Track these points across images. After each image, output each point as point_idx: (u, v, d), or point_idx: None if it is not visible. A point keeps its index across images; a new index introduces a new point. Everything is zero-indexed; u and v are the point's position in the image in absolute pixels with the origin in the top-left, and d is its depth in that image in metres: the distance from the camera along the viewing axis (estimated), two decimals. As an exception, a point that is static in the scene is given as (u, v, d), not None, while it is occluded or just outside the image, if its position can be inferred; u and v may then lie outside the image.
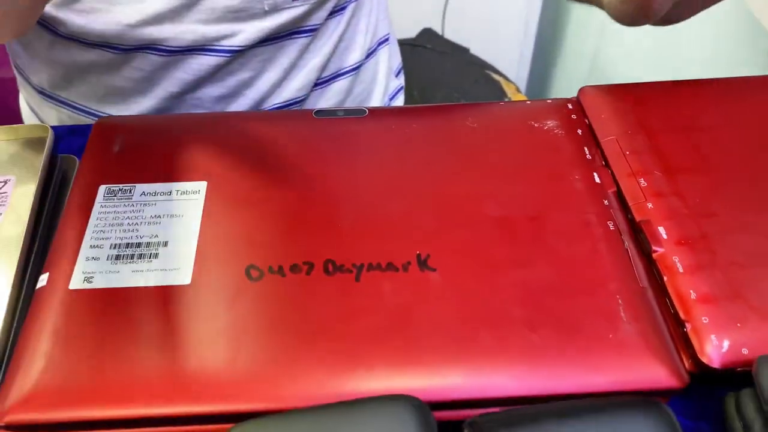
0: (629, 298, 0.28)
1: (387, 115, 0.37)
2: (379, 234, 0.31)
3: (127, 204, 0.32)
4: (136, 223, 0.32)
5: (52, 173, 0.35)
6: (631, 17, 0.33)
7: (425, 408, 0.23)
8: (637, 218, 0.31)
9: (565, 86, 1.39)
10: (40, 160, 0.34)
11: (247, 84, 0.51)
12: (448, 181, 0.33)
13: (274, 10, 0.47)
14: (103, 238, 0.31)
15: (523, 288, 0.29)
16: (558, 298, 0.28)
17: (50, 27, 0.47)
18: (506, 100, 1.16)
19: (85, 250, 0.31)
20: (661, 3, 0.31)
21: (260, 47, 0.49)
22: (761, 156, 0.34)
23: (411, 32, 1.32)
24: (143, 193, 0.33)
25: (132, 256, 0.30)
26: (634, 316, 0.28)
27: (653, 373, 0.26)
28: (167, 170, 0.34)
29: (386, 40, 0.60)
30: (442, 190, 0.33)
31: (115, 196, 0.33)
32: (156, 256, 0.30)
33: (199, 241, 0.31)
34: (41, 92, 0.53)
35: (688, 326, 0.27)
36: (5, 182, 0.33)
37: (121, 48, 0.46)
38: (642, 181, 0.33)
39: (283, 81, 0.52)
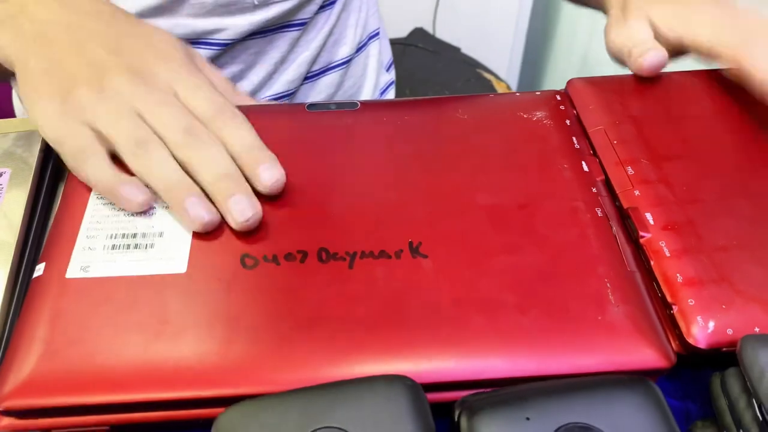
0: (617, 282, 0.29)
1: (378, 108, 0.38)
2: (372, 223, 0.31)
3: (122, 195, 0.33)
4: (132, 215, 0.32)
5: (47, 166, 0.35)
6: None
7: (418, 387, 0.23)
8: (625, 205, 0.32)
9: (555, 84, 1.40)
10: (34, 153, 0.35)
11: (238, 77, 0.51)
12: (439, 171, 0.34)
13: (264, 4, 0.48)
14: (98, 229, 0.31)
15: (513, 273, 0.29)
16: (547, 282, 0.29)
17: None
18: (497, 98, 1.16)
19: (81, 241, 0.31)
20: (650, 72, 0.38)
21: (250, 40, 0.50)
22: (744, 144, 0.35)
23: (402, 32, 1.33)
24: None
25: (128, 246, 0.31)
26: (622, 298, 0.28)
27: (641, 353, 0.27)
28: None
29: (376, 34, 0.61)
30: (433, 179, 0.33)
31: (110, 187, 0.33)
32: (152, 246, 0.31)
33: (194, 232, 0.31)
34: None
35: (675, 308, 0.28)
36: (1, 174, 0.34)
37: None
38: (629, 170, 0.33)
39: (273, 74, 0.52)
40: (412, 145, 0.35)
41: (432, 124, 0.36)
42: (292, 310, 0.29)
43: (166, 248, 0.31)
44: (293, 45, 0.52)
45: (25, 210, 0.33)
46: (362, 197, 0.32)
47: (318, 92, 0.56)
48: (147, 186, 0.31)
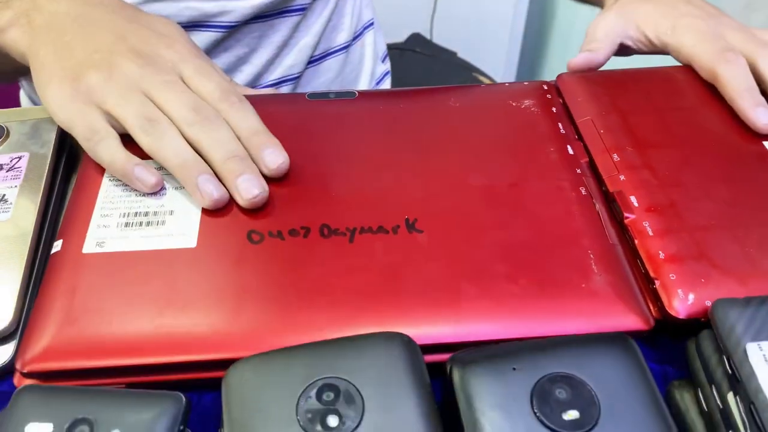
0: (600, 253, 0.31)
1: (375, 96, 0.40)
2: (371, 201, 0.33)
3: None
4: (143, 195, 0.34)
5: (63, 150, 0.37)
6: None
7: (414, 343, 0.25)
8: (611, 189, 0.34)
9: (550, 88, 1.42)
10: (51, 139, 0.37)
11: (243, 59, 0.54)
12: (434, 154, 0.36)
13: None
14: (112, 208, 0.33)
15: (503, 246, 0.31)
16: (535, 253, 0.31)
17: None
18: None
19: (96, 219, 0.33)
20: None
21: (253, 24, 0.53)
22: (723, 133, 0.37)
23: (400, 37, 1.35)
24: (150, 168, 0.35)
25: (140, 224, 0.33)
26: (604, 268, 0.30)
27: (621, 317, 0.29)
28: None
29: (371, 24, 0.64)
30: (428, 161, 0.35)
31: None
32: (163, 223, 0.33)
33: (203, 210, 0.33)
34: None
35: (658, 283, 0.30)
36: (19, 158, 0.36)
37: None
38: (615, 156, 0.35)
39: (276, 58, 0.55)
40: (408, 131, 0.37)
41: (426, 111, 0.38)
42: (295, 281, 0.30)
43: (177, 225, 0.32)
44: (294, 30, 0.55)
45: (42, 191, 0.34)
46: (361, 178, 0.34)
47: (320, 76, 0.59)
48: (158, 162, 0.33)
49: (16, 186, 0.35)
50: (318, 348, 0.25)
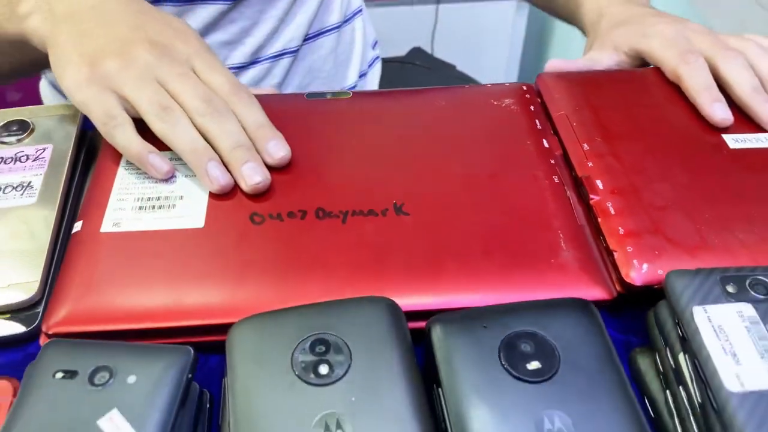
0: (568, 233, 0.34)
1: (369, 96, 0.44)
2: (362, 187, 0.37)
3: (148, 166, 0.38)
4: (156, 182, 0.37)
5: (83, 143, 0.41)
6: None
7: (397, 306, 0.28)
8: (579, 174, 0.37)
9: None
10: (72, 133, 0.40)
11: (246, 32, 0.59)
12: (421, 147, 0.39)
13: None
14: (127, 194, 0.37)
15: (481, 227, 0.34)
16: (510, 234, 0.34)
17: None
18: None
19: (113, 203, 0.36)
20: None
21: None
22: (684, 127, 0.41)
23: (402, 50, 1.39)
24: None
25: (153, 207, 0.36)
26: (572, 245, 0.33)
27: (586, 288, 0.32)
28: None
29: (360, 11, 0.70)
30: (415, 153, 0.39)
31: (137, 161, 0.38)
32: (173, 206, 0.36)
33: (210, 194, 0.36)
34: None
35: (617, 254, 0.33)
36: (44, 149, 0.39)
37: None
38: (585, 146, 0.39)
39: (276, 31, 0.61)
40: (397, 126, 0.40)
41: (414, 109, 0.42)
42: (293, 257, 0.34)
43: (186, 208, 0.36)
44: (291, 5, 0.61)
45: (64, 178, 0.38)
46: (354, 167, 0.38)
47: (315, 53, 0.65)
48: (171, 147, 0.36)
49: (41, 174, 0.38)
50: (311, 308, 0.28)
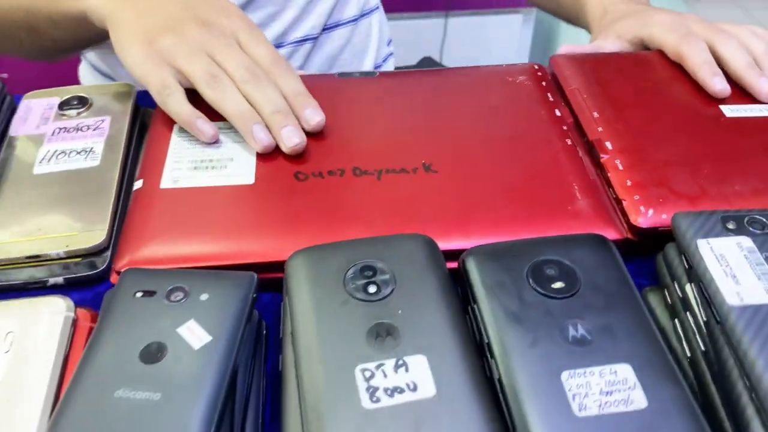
0: (582, 185, 0.38)
1: (394, 75, 0.48)
2: (393, 149, 0.41)
3: (199, 133, 0.42)
4: (206, 146, 0.41)
5: (137, 114, 0.45)
6: None
7: (432, 240, 0.32)
8: (590, 138, 0.41)
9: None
10: (128, 105, 0.44)
11: (272, 17, 0.64)
12: (444, 115, 0.43)
13: None
14: (182, 157, 0.41)
15: (502, 182, 0.38)
16: (529, 186, 0.38)
17: None
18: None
19: (170, 164, 0.40)
20: None
21: None
22: (686, 98, 0.45)
23: (412, 60, 1.45)
24: (211, 126, 0.42)
25: (206, 167, 0.40)
26: (586, 195, 0.37)
27: (600, 230, 0.35)
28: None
29: (377, 8, 0.75)
30: (439, 121, 0.43)
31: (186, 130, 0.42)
32: (225, 167, 0.40)
33: (257, 157, 0.40)
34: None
35: (625, 203, 0.37)
36: (103, 120, 0.43)
37: None
38: (595, 114, 0.43)
39: (299, 19, 0.65)
40: (422, 98, 0.44)
41: (437, 84, 0.46)
42: (334, 210, 0.37)
43: (237, 168, 0.40)
44: None
45: (124, 142, 0.42)
46: (385, 132, 0.42)
47: (334, 42, 0.69)
48: (220, 112, 0.40)
49: (101, 141, 0.42)
50: (357, 242, 0.32)
